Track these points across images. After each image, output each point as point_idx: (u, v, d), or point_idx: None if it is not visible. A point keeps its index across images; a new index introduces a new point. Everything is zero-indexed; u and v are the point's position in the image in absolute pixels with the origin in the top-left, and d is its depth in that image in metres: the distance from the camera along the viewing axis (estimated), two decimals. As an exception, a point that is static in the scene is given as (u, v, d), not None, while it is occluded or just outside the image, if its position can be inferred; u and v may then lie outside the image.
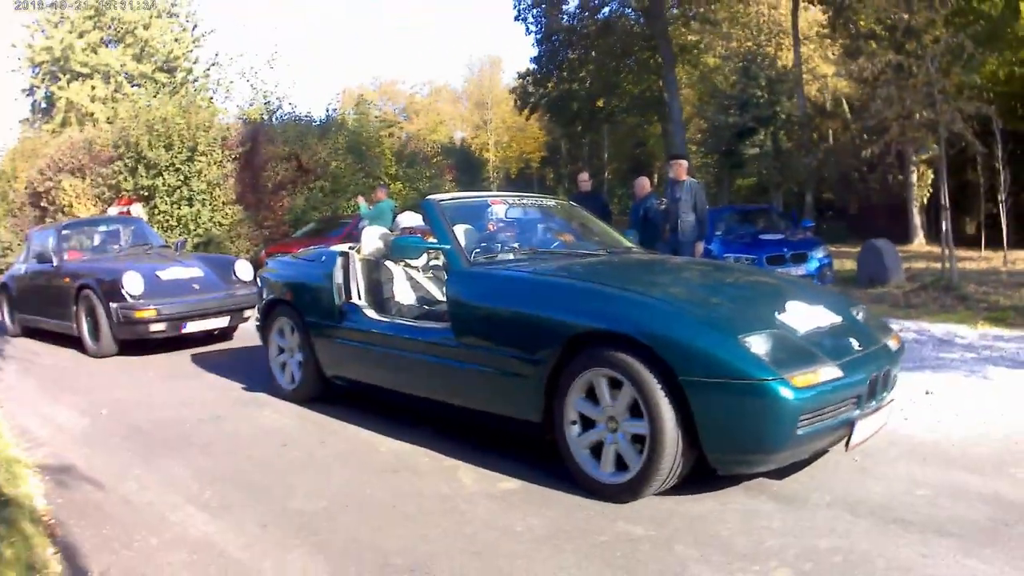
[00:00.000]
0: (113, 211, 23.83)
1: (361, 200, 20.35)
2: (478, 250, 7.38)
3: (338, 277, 8.34)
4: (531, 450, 6.64)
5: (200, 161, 27.36)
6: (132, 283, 12.08)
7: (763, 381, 5.05)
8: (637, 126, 60.92)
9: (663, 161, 51.38)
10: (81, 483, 6.53)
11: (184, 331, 12.46)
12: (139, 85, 41.63)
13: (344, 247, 8.86)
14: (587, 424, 5.84)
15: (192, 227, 27.12)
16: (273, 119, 30.62)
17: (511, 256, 7.47)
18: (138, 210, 23.02)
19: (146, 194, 26.87)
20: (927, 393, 8.35)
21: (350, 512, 5.67)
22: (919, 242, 35.96)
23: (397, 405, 8.02)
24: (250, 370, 10.63)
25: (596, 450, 5.80)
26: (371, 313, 8.07)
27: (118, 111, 32.73)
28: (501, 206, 8.82)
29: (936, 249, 27.39)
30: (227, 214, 27.65)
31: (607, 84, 49.28)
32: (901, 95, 16.43)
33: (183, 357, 12.23)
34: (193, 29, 46.14)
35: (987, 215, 28.47)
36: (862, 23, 33.09)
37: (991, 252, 26.33)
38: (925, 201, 37.40)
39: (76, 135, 30.86)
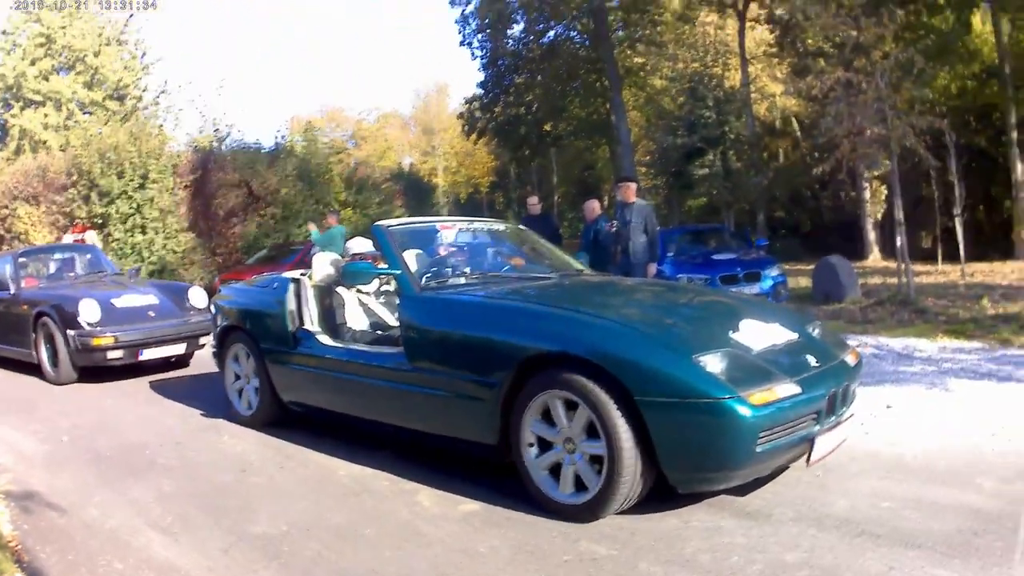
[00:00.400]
0: (68, 238, 23.72)
1: (312, 226, 20.34)
2: (429, 275, 7.36)
3: (291, 303, 8.30)
4: (490, 472, 6.61)
5: (151, 188, 27.19)
6: (88, 311, 11.97)
7: (719, 400, 5.03)
8: (585, 149, 61.17)
9: (612, 184, 51.73)
10: (45, 509, 6.47)
11: (141, 358, 12.34)
12: (90, 113, 41.56)
13: (296, 273, 8.83)
14: (544, 446, 5.81)
15: (146, 254, 26.94)
16: (223, 146, 30.65)
17: (462, 280, 7.45)
18: (92, 237, 22.87)
19: (100, 222, 26.67)
20: (888, 407, 8.36)
21: (312, 536, 5.63)
22: (874, 258, 36.17)
23: (356, 429, 7.97)
24: (208, 396, 10.53)
25: (555, 471, 5.77)
26: (324, 339, 8.03)
27: (70, 139, 32.68)
28: (451, 231, 8.77)
29: (892, 264, 27.56)
30: (180, 241, 27.52)
31: (554, 108, 49.20)
32: (851, 112, 16.48)
33: (142, 384, 12.12)
34: (142, 57, 45.92)
35: (943, 229, 28.61)
36: (810, 42, 33.36)
37: (948, 266, 26.48)
38: (879, 217, 37.62)
39: (30, 162, 30.64)
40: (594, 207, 15.30)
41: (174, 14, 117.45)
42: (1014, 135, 32.78)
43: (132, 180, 27.01)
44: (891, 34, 17.60)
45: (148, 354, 12.36)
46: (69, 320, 11.95)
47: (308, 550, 5.38)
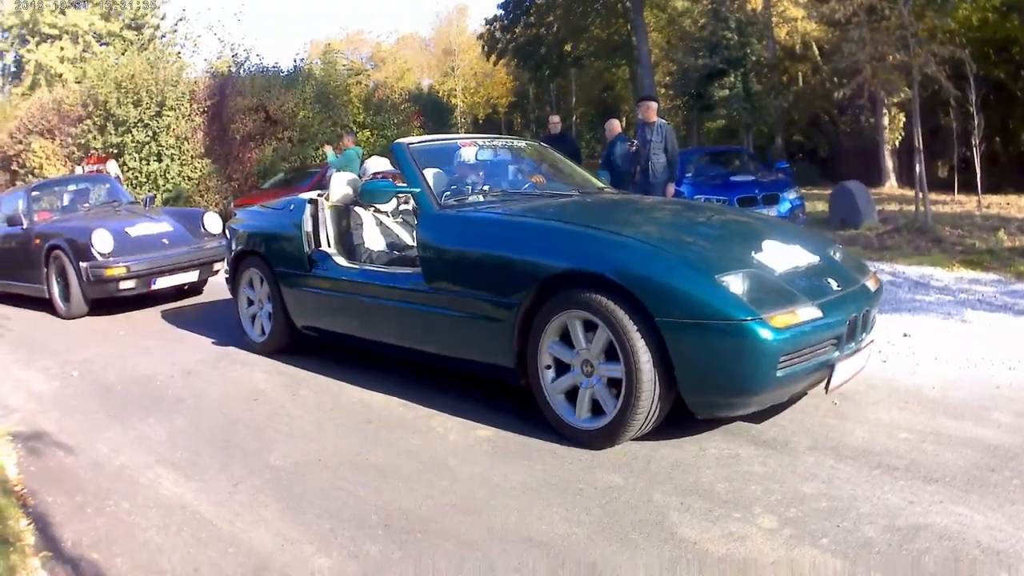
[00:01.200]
0: (80, 170, 23.68)
1: (328, 149, 20.17)
2: (448, 193, 7.27)
3: (307, 225, 8.24)
4: (506, 397, 6.58)
5: (168, 116, 27.12)
6: (101, 241, 11.89)
7: (742, 321, 4.95)
8: (605, 70, 60.72)
9: (631, 105, 51.41)
10: (53, 449, 6.43)
11: (154, 287, 12.30)
12: (107, 44, 41.46)
13: (313, 195, 8.75)
14: (562, 368, 5.76)
15: (161, 182, 26.97)
16: (241, 71, 30.33)
17: (482, 198, 7.35)
18: (113, 167, 22.84)
19: (115, 152, 26.57)
20: (905, 336, 8.31)
21: (323, 467, 5.59)
22: (890, 185, 35.98)
23: (369, 354, 7.96)
24: (220, 324, 10.53)
25: (571, 395, 5.72)
26: (341, 260, 7.97)
27: (86, 70, 32.50)
28: (471, 149, 8.63)
29: (908, 192, 27.46)
30: (196, 168, 27.46)
31: (575, 28, 48.91)
32: (873, 37, 16.37)
33: (154, 314, 12.11)
34: (161, -16, 45.77)
35: (960, 159, 28.49)
36: (834, -35, 33.04)
37: (964, 196, 26.38)
38: (897, 144, 37.35)
39: (45, 97, 30.58)
40: (614, 126, 15.25)
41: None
42: (1032, 69, 32.67)
43: (149, 108, 27.00)
44: (914, -41, 17.49)
45: (161, 283, 12.32)
46: (81, 252, 11.90)
47: (320, 482, 5.34)
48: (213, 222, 13.39)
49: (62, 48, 40.76)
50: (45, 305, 12.77)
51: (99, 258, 11.80)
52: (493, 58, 55.67)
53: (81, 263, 11.83)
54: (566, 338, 5.68)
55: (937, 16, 16.94)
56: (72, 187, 15.51)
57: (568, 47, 51.67)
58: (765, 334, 4.94)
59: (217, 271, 12.76)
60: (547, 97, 73.15)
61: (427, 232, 6.76)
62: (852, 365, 5.72)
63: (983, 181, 23.22)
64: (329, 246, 8.21)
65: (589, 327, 5.50)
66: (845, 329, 5.49)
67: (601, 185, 8.60)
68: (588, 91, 69.87)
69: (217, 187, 27.17)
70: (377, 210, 8.59)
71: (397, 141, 7.83)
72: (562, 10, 48.31)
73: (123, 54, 32.64)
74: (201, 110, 27.94)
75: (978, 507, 4.51)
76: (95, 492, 5.46)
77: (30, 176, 27.25)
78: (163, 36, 44.62)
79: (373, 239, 8.34)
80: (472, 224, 6.71)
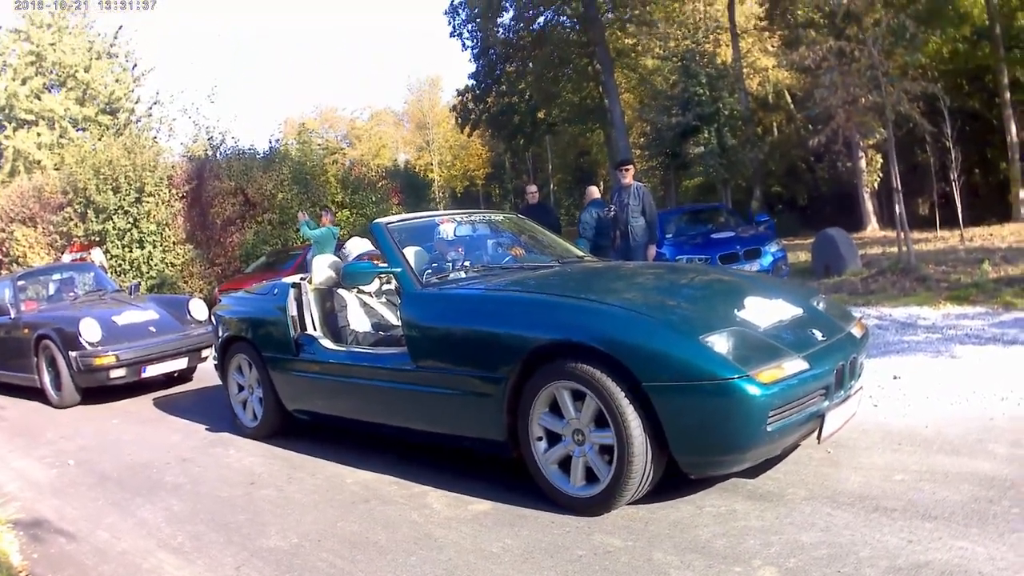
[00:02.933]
0: (67, 258, 23.70)
1: (302, 215, 20.24)
2: (429, 271, 7.35)
3: (292, 309, 8.27)
4: (500, 470, 6.59)
5: (148, 202, 27.24)
6: (89, 330, 11.91)
7: (729, 380, 4.97)
8: (580, 135, 61.17)
9: (608, 168, 51.73)
10: (55, 536, 6.44)
11: (144, 375, 12.26)
12: (84, 129, 41.54)
13: (296, 278, 8.81)
14: (553, 439, 5.77)
15: (145, 269, 27.04)
16: (217, 154, 30.55)
17: (463, 274, 7.41)
18: (99, 256, 22.88)
19: (97, 239, 26.61)
20: (895, 378, 8.36)
21: (324, 547, 5.59)
22: (872, 228, 36.18)
23: (362, 435, 7.95)
24: (212, 410, 10.53)
25: (565, 464, 5.73)
26: (327, 343, 7.99)
27: (64, 157, 32.56)
28: (449, 225, 8.75)
29: (890, 233, 27.63)
30: (178, 254, 27.58)
31: (547, 94, 49.32)
32: (844, 80, 16.52)
33: (145, 402, 12.08)
34: (133, 68, 45.82)
35: (940, 194, 28.67)
36: (800, 12, 33.36)
37: (946, 231, 26.55)
38: (876, 186, 37.60)
39: (25, 184, 30.60)
40: (592, 192, 15.32)
41: (164, 22, 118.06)
42: (1008, 96, 32.89)
43: (128, 195, 27.09)
44: (881, 1, 17.58)
45: (151, 371, 12.28)
46: (70, 341, 11.88)
47: (321, 561, 5.34)
48: (199, 309, 13.43)
49: (39, 134, 40.75)
50: (38, 394, 12.75)
51: (88, 347, 11.80)
52: (467, 129, 55.94)
53: (70, 352, 11.81)
54: (555, 408, 5.68)
55: (907, 52, 17.06)
56: (57, 276, 15.54)
57: (541, 114, 52.08)
58: (753, 390, 4.95)
59: (206, 358, 12.72)
60: (524, 166, 73.96)
61: (410, 311, 6.78)
62: (843, 413, 5.75)
63: (965, 215, 23.38)
64: (315, 329, 8.23)
65: (577, 396, 5.51)
66: (833, 378, 5.51)
67: (581, 254, 8.68)
68: (564, 157, 70.87)
69: (201, 272, 27.28)
70: (360, 291, 8.63)
71: (376, 221, 7.91)
72: (533, 77, 48.85)
73: (100, 139, 32.78)
74: (180, 195, 28.07)
75: (978, 539, 4.54)
76: (99, 577, 5.43)
77: (14, 265, 27.22)
78: (138, 120, 44.67)
79: (358, 320, 8.35)
80: (455, 301, 6.75)
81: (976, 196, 36.70)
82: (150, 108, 45.78)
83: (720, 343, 5.18)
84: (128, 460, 8.65)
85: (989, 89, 36.22)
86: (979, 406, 7.16)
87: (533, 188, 17.84)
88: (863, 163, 36.51)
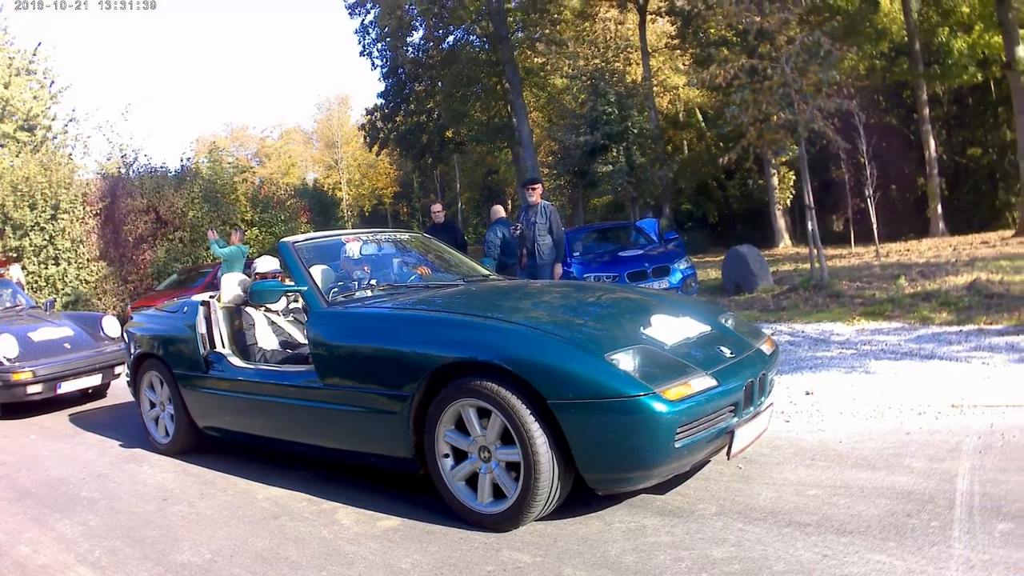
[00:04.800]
0: (-17, 275, 23.49)
1: (212, 234, 20.15)
2: (335, 289, 7.34)
3: (201, 327, 8.24)
4: (409, 487, 6.58)
5: (63, 219, 27.15)
6: (6, 346, 11.81)
7: (635, 397, 4.97)
8: (488, 153, 61.17)
9: (515, 187, 51.86)
10: (-25, 551, 6.34)
11: (60, 391, 12.16)
12: (2, 145, 41.12)
13: (205, 296, 8.79)
14: (460, 456, 5.76)
15: (60, 286, 26.93)
16: (130, 172, 30.71)
17: (369, 293, 7.43)
18: (17, 272, 22.65)
19: (15, 255, 26.39)
20: (808, 394, 8.40)
21: (236, 563, 5.55)
22: (785, 244, 36.57)
23: (273, 451, 7.89)
24: (126, 426, 10.46)
25: (472, 481, 5.72)
26: (236, 361, 7.96)
27: (-17, 173, 32.34)
28: (356, 244, 8.76)
29: (803, 250, 27.93)
30: (92, 271, 27.50)
31: (455, 114, 49.10)
32: (756, 98, 16.61)
33: (62, 417, 11.97)
34: (51, 85, 45.45)
35: (855, 211, 28.94)
36: (712, 31, 33.58)
37: (862, 247, 26.86)
38: (788, 203, 37.96)
39: (-55, 199, 30.38)
40: (497, 211, 15.33)
41: (79, 41, 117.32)
42: (926, 112, 33.34)
43: (44, 211, 26.96)
44: (796, 18, 17.69)
45: (66, 387, 12.19)
46: (-14, 357, 11.72)
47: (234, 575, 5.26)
48: (112, 326, 13.36)
49: (-42, 150, 40.37)
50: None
51: (5, 363, 11.69)
52: (376, 148, 56.23)
53: (-12, 368, 11.66)
54: (461, 426, 5.68)
55: (821, 70, 17.14)
56: (-28, 292, 15.36)
57: (450, 132, 51.99)
58: (659, 407, 4.95)
59: (119, 374, 12.63)
60: (431, 185, 74.33)
61: (317, 329, 6.77)
62: (753, 429, 5.76)
63: (881, 230, 23.62)
64: (224, 347, 8.21)
65: (483, 414, 5.51)
66: (742, 395, 5.53)
67: (486, 273, 8.73)
68: (472, 176, 71.21)
69: (114, 290, 27.25)
70: (268, 309, 8.64)
71: (282, 240, 7.93)
72: (442, 96, 48.87)
73: (17, 156, 32.56)
74: (94, 212, 28.01)
75: (897, 553, 4.55)
76: (19, 592, 5.38)
77: (-69, 281, 26.91)
78: (55, 137, 44.28)
79: (265, 338, 8.35)
80: (361, 319, 6.73)
81: (894, 212, 37.16)
82: (66, 125, 45.40)
83: (625, 361, 5.19)
84: (46, 475, 8.58)
85: (907, 105, 36.71)
86: (895, 421, 7.22)
87: (439, 207, 17.75)
88: (775, 180, 36.91)
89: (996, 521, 4.88)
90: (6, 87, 41.83)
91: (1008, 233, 29.40)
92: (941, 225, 32.76)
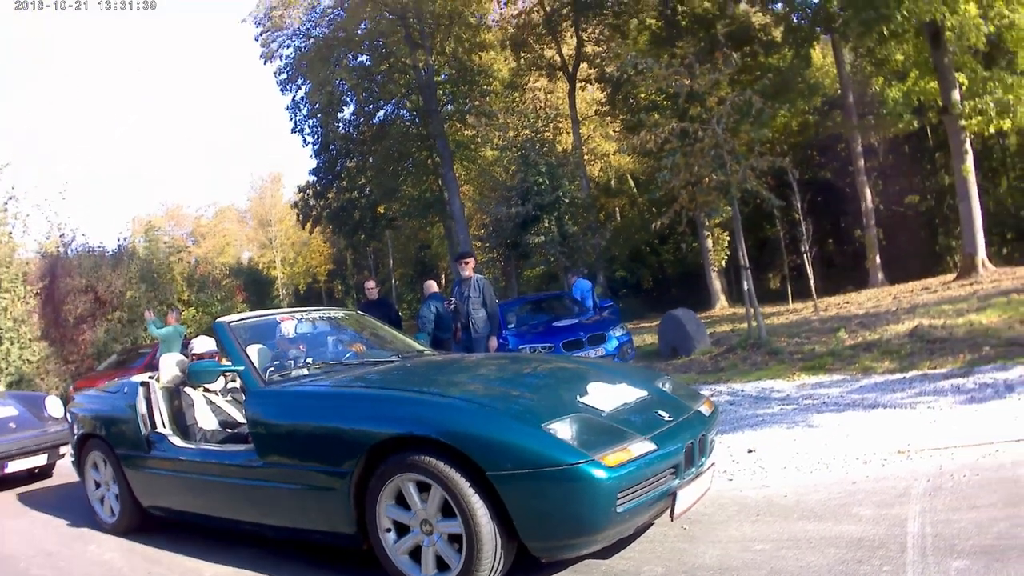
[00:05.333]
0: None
1: (149, 314, 20.16)
2: (272, 368, 7.33)
3: (141, 407, 8.19)
4: (354, 561, 6.51)
5: (4, 298, 26.98)
6: (-47, 427, 11.66)
7: (573, 465, 4.99)
8: (420, 228, 61.37)
9: (448, 261, 52.03)
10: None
11: (7, 471, 12.03)
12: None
13: (144, 377, 8.75)
14: (402, 530, 5.73)
15: (3, 365, 26.69)
16: (69, 252, 30.90)
17: (306, 371, 7.43)
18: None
19: (-43, 336, 26.34)
20: (750, 451, 8.43)
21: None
22: (721, 305, 36.71)
23: (219, 529, 7.81)
24: (73, 505, 10.32)
25: (415, 554, 5.69)
26: (176, 440, 7.91)
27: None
28: (290, 323, 8.80)
29: (740, 310, 28.03)
30: (35, 351, 27.37)
31: (387, 189, 49.35)
32: (688, 161, 16.72)
33: (9, 496, 11.89)
34: (-9, 164, 45.29)
35: (791, 267, 29.19)
36: (642, 96, 33.80)
37: (799, 303, 27.00)
38: (723, 264, 38.12)
39: None
40: (430, 286, 15.44)
41: (11, 117, 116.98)
42: (861, 163, 33.60)
43: (-14, 290, 26.67)
44: (726, 78, 17.83)
45: (13, 466, 12.06)
46: (-65, 436, 11.60)
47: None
48: (54, 406, 13.23)
49: (-101, 227, 40.06)
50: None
51: (-47, 443, 11.52)
52: (308, 225, 56.55)
53: (-65, 448, 11.53)
54: (402, 500, 5.66)
55: (753, 129, 17.27)
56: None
57: (382, 208, 52.41)
58: (599, 473, 4.97)
59: (63, 454, 12.49)
60: (365, 261, 74.50)
61: (255, 408, 6.76)
62: (695, 490, 5.79)
63: (819, 285, 23.80)
64: (164, 427, 8.15)
65: (423, 488, 5.49)
66: (682, 457, 5.56)
67: (421, 348, 8.79)
68: (405, 251, 71.49)
69: (56, 370, 27.21)
70: (206, 389, 8.61)
71: (218, 320, 7.94)
72: (374, 171, 49.28)
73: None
74: (35, 292, 28.05)
75: (848, 600, 4.50)
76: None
77: None
78: (-6, 216, 44.15)
79: (205, 418, 8.32)
80: (298, 398, 6.73)
81: (831, 266, 37.54)
82: (5, 203, 45.21)
83: (563, 429, 5.21)
84: (-4, 553, 8.51)
85: (842, 157, 37.01)
86: (840, 471, 7.25)
87: (372, 284, 17.92)
88: (709, 242, 37.04)
89: (951, 559, 4.93)
90: (-56, 163, 41.67)
91: (949, 277, 29.59)
92: (880, 275, 32.98)
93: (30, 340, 27.32)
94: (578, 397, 5.84)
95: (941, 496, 6.16)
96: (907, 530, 5.48)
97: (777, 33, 33.88)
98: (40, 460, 12.43)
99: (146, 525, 8.60)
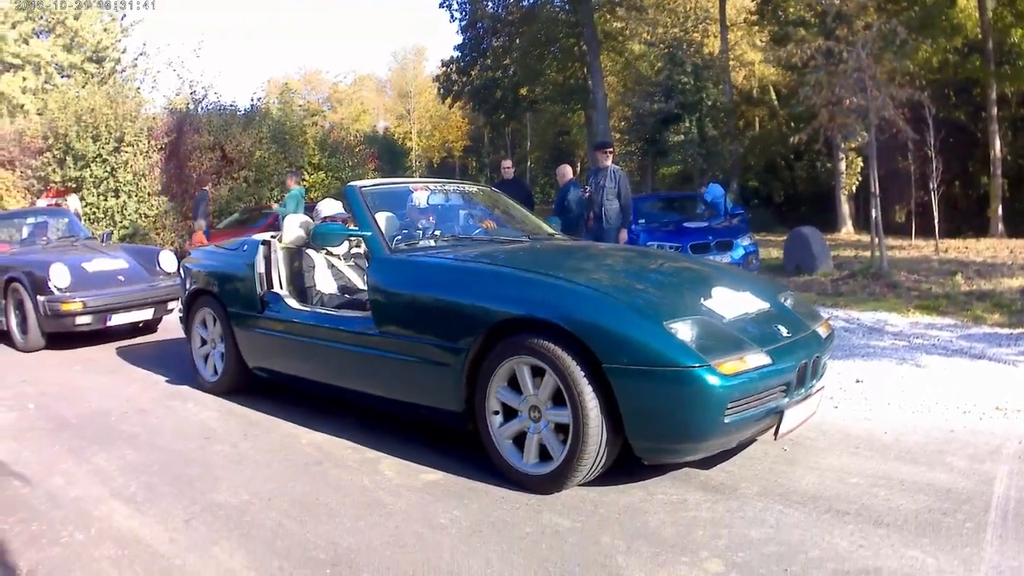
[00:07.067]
0: (42, 203, 23.59)
1: (274, 205, 20.20)
2: (399, 237, 7.31)
3: (260, 266, 8.22)
4: (453, 442, 6.57)
5: (127, 152, 27.21)
6: (59, 275, 11.86)
7: (689, 368, 4.93)
8: (560, 114, 60.88)
9: (586, 150, 51.67)
10: (9, 479, 6.37)
11: (109, 324, 12.26)
12: (69, 76, 41.24)
13: (266, 236, 8.75)
14: (509, 414, 5.74)
15: (118, 219, 27.04)
16: (199, 109, 30.65)
17: (433, 243, 7.40)
18: (75, 202, 22.84)
19: (74, 186, 26.60)
20: (858, 382, 8.32)
21: (273, 506, 5.54)
22: (847, 230, 36.11)
23: (321, 396, 7.90)
24: (174, 363, 10.47)
25: (519, 440, 5.70)
26: (292, 302, 7.95)
27: (48, 102, 32.37)
28: (423, 193, 8.65)
29: (864, 238, 27.56)
30: (153, 205, 27.58)
31: (531, 72, 49.07)
32: (831, 81, 16.49)
33: (109, 350, 12.02)
34: (122, 19, 45.49)
35: (918, 203, 28.59)
36: (791, 10, 33.26)
37: (921, 240, 26.49)
38: (853, 189, 37.53)
39: (7, 127, 30.36)
40: (566, 172, 15.25)
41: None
42: (994, 111, 32.91)
43: (107, 143, 27.03)
44: (874, 4, 17.56)
45: (116, 319, 12.27)
46: (39, 285, 11.84)
47: (269, 520, 5.28)
48: (168, 260, 13.35)
49: (24, 78, 40.39)
50: (4, 336, 12.72)
51: (56, 292, 11.75)
52: (449, 101, 56.12)
53: (38, 297, 11.77)
54: (514, 383, 5.65)
55: (895, 59, 17.02)
56: (31, 220, 15.41)
57: (524, 90, 51.93)
58: (713, 380, 4.92)
59: (171, 310, 12.63)
60: (502, 141, 74.00)
61: (377, 276, 6.75)
62: (802, 411, 5.70)
63: (941, 225, 23.35)
64: (281, 288, 8.19)
65: (537, 372, 5.48)
66: (794, 375, 5.47)
67: (552, 231, 8.66)
68: (543, 135, 70.79)
69: (173, 225, 27.30)
70: (329, 253, 8.59)
71: (349, 184, 7.87)
72: (519, 53, 48.60)
73: (84, 87, 32.63)
74: (159, 147, 28.06)
75: (930, 550, 4.49)
76: (50, 523, 5.41)
77: (-11, 207, 27.00)
78: (123, 70, 44.34)
79: (324, 282, 8.32)
80: (422, 269, 6.69)
81: (955, 208, 36.72)
82: (136, 59, 45.45)
83: (684, 330, 5.15)
84: (87, 408, 8.59)
85: (976, 102, 36.23)
86: (941, 417, 7.12)
87: (509, 163, 17.79)
88: (843, 165, 36.45)
89: (1028, 527, 4.84)
90: (76, 18, 42.01)
91: (1070, 239, 29.04)
92: (1001, 226, 32.45)
93: (149, 195, 27.59)
94: (702, 300, 5.75)
95: (1030, 461, 6.08)
96: (993, 490, 5.38)
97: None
98: (146, 314, 12.65)
99: (247, 387, 8.71)
